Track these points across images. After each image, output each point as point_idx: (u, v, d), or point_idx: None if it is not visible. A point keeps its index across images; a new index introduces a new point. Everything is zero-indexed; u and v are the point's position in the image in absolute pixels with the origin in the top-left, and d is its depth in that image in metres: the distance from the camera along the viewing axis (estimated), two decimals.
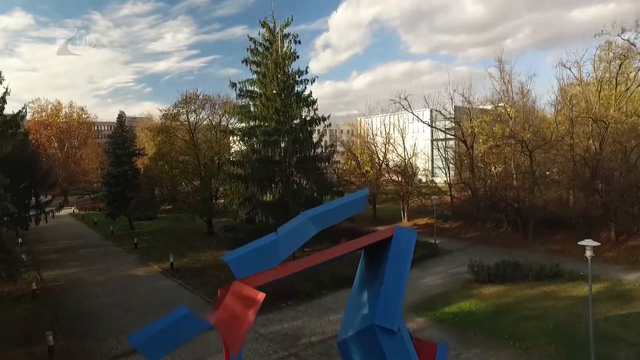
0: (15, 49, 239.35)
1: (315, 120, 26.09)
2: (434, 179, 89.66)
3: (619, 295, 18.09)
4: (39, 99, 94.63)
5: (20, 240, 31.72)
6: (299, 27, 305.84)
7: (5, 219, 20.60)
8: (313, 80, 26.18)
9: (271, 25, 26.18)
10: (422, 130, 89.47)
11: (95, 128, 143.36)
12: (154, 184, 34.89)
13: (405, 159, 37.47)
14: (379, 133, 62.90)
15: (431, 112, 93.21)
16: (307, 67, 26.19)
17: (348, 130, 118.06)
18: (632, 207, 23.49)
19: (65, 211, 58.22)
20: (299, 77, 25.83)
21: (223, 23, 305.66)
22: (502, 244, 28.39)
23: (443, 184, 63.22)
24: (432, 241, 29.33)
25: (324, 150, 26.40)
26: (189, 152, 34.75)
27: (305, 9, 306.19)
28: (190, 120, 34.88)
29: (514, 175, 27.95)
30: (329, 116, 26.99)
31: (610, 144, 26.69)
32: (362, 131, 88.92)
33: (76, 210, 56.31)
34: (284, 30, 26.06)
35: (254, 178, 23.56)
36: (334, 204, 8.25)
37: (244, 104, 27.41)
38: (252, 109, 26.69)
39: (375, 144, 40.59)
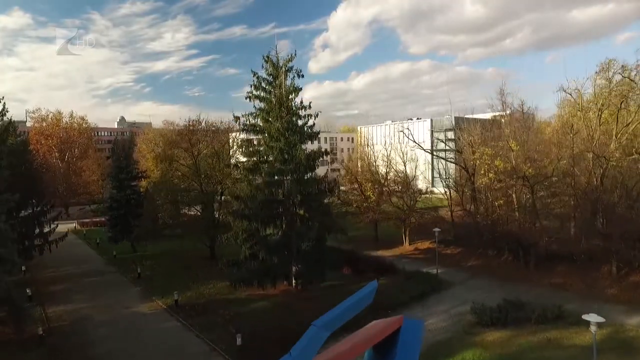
0: (14, 48, 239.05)
1: (319, 154, 26.26)
2: (434, 189, 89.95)
3: (622, 344, 18.25)
4: (39, 109, 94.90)
5: (23, 268, 31.81)
6: (299, 26, 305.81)
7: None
8: (316, 116, 26.33)
9: (274, 59, 26.44)
10: (422, 141, 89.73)
11: (96, 134, 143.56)
12: (157, 211, 35.00)
13: (407, 182, 37.45)
14: (379, 148, 63.08)
15: (431, 121, 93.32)
16: (310, 103, 26.41)
17: (348, 138, 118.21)
18: (634, 246, 23.63)
19: (67, 226, 58.56)
20: (302, 111, 26.02)
21: (222, 23, 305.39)
22: (503, 276, 28.55)
23: (442, 196, 63.38)
24: (434, 271, 29.59)
25: (327, 186, 26.45)
26: (192, 178, 34.86)
27: (304, 8, 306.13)
28: (193, 146, 34.89)
29: (515, 207, 28.13)
30: (333, 151, 27.10)
31: (610, 178, 26.91)
32: (362, 146, 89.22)
33: (77, 227, 56.28)
34: (288, 65, 26.34)
35: (257, 216, 23.71)
36: (343, 306, 8.44)
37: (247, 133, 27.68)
38: (254, 141, 26.94)
39: (377, 167, 40.59)
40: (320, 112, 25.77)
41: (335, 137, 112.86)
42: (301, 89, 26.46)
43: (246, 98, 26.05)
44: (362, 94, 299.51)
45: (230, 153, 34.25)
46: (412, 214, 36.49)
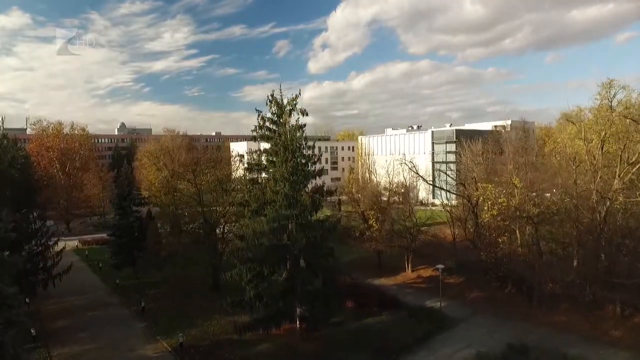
0: (13, 48, 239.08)
1: (322, 192, 26.27)
2: (434, 200, 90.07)
3: None
4: (40, 120, 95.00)
5: (27, 300, 31.81)
6: (298, 26, 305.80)
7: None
8: (319, 159, 26.46)
9: (278, 98, 26.49)
10: (423, 152, 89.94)
11: (96, 141, 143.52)
12: (160, 240, 35.05)
13: (409, 213, 37.42)
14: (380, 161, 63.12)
15: (432, 133, 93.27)
16: (314, 143, 26.44)
17: (349, 147, 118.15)
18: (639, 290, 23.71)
19: (68, 243, 58.50)
20: (307, 150, 26.04)
21: (222, 22, 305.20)
22: (507, 312, 28.56)
23: (442, 209, 63.48)
24: (438, 304, 29.64)
25: (331, 226, 26.36)
26: (195, 208, 34.87)
27: (304, 8, 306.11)
28: (196, 177, 34.86)
29: (519, 244, 28.19)
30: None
31: (614, 215, 26.98)
32: (362, 158, 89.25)
33: (79, 245, 56.25)
34: (292, 104, 26.40)
35: (262, 260, 23.76)
36: None
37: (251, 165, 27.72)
38: (259, 179, 26.98)
39: (380, 193, 40.53)
40: (322, 154, 25.71)
41: (336, 147, 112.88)
42: (305, 125, 26.60)
43: (250, 138, 26.08)
44: (362, 94, 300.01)
45: (233, 185, 34.15)
46: (415, 243, 36.53)
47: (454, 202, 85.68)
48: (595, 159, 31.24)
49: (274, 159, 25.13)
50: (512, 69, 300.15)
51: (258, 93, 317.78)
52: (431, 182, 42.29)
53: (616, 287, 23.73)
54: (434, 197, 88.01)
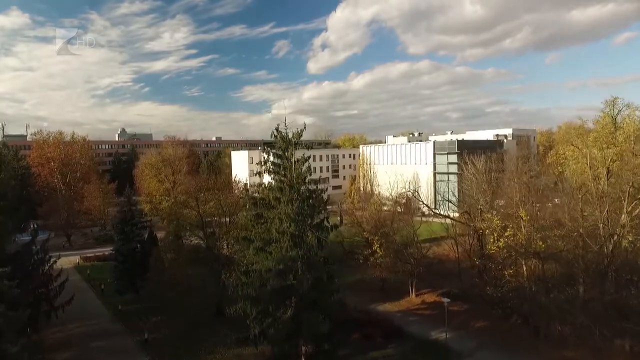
0: (12, 48, 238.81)
1: (328, 228, 26.07)
2: (436, 211, 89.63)
3: None
4: (40, 130, 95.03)
5: (28, 329, 31.58)
6: (298, 26, 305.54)
7: None
8: (326, 202, 26.32)
9: (283, 131, 26.33)
10: (424, 163, 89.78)
11: (97, 147, 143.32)
12: (164, 269, 34.87)
13: (414, 239, 37.16)
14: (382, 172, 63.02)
15: (434, 144, 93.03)
16: (320, 177, 26.24)
17: (350, 155, 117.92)
18: None
19: (69, 259, 58.28)
20: (312, 185, 25.83)
21: (221, 22, 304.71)
22: (512, 345, 28.31)
23: (445, 221, 63.29)
24: (444, 335, 29.41)
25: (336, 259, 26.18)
26: (198, 233, 34.71)
27: (303, 8, 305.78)
28: (200, 206, 34.65)
29: (525, 278, 28.00)
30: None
31: (622, 250, 26.77)
32: (364, 169, 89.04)
33: (80, 262, 56.02)
34: (298, 138, 26.26)
35: (267, 301, 23.58)
36: None
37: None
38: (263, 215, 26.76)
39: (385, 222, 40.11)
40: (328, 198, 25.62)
41: (337, 155, 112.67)
42: (309, 157, 26.44)
43: (255, 174, 25.93)
44: (362, 94, 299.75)
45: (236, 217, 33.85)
46: (419, 268, 36.33)
47: (455, 215, 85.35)
48: (601, 184, 31.15)
49: (279, 196, 24.92)
50: (512, 69, 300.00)
51: (258, 93, 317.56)
52: (435, 212, 41.40)
53: (626, 330, 23.52)
54: (435, 208, 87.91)
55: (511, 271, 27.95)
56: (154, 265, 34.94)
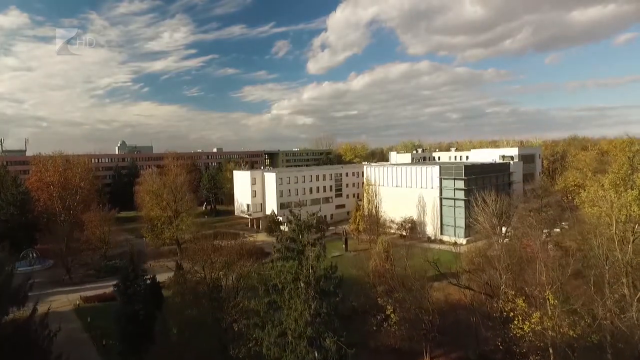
0: (11, 48, 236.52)
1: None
2: (442, 237, 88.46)
3: None
4: (40, 153, 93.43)
5: None
6: (298, 26, 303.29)
7: None
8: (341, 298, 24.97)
9: (297, 213, 25.07)
10: (430, 187, 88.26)
11: (97, 160, 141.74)
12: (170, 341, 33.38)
13: (429, 304, 35.53)
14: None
15: (440, 168, 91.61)
16: (336, 267, 24.83)
17: (354, 173, 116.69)
18: None
19: (68, 297, 56.69)
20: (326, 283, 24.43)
21: (221, 22, 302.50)
22: None
23: (452, 246, 61.97)
24: None
25: None
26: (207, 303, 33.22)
27: (303, 8, 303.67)
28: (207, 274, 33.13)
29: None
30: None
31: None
32: (369, 190, 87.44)
33: (80, 302, 54.37)
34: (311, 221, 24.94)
35: None
36: None
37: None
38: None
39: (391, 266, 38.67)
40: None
41: (341, 173, 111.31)
42: (323, 242, 25.13)
43: (269, 261, 24.50)
44: (361, 95, 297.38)
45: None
46: (434, 333, 34.86)
47: (463, 242, 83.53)
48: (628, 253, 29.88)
49: (292, 287, 23.48)
50: (512, 70, 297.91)
51: (258, 93, 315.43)
52: (455, 283, 39.65)
53: None
54: (442, 233, 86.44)
55: (538, 358, 26.56)
56: (159, 334, 33.45)
